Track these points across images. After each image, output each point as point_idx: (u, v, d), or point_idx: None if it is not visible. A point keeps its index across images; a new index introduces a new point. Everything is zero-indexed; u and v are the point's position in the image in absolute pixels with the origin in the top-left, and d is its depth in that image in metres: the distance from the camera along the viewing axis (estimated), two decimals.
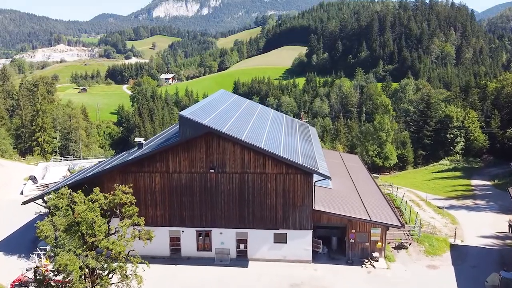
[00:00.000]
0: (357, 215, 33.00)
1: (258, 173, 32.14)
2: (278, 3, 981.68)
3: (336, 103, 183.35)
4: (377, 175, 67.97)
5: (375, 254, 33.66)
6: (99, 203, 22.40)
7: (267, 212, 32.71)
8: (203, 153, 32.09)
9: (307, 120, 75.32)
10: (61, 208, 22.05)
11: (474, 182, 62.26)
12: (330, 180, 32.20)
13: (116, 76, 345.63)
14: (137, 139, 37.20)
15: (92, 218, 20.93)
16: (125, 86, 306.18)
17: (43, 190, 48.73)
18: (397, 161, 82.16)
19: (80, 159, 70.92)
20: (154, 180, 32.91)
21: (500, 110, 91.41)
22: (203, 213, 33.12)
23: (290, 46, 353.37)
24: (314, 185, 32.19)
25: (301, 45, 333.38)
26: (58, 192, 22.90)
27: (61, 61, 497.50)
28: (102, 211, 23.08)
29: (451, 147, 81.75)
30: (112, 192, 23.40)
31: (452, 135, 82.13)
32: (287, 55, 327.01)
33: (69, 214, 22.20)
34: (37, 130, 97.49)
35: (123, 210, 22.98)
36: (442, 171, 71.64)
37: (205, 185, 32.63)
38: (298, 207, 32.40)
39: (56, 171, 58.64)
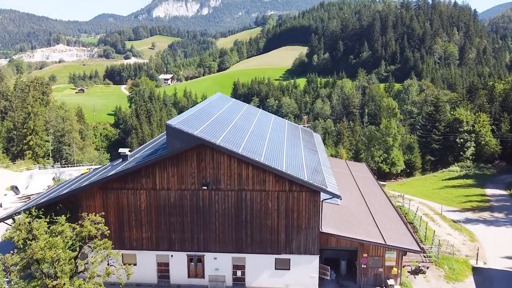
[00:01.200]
0: (370, 238, 29.02)
1: (258, 191, 28.19)
2: (278, 3, 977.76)
3: (337, 104, 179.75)
4: (384, 183, 64.13)
5: (390, 282, 29.69)
6: (63, 237, 18.38)
7: (267, 234, 28.76)
8: (195, 168, 28.14)
9: (309, 125, 71.25)
10: (18, 242, 18.04)
11: (489, 191, 58.22)
12: (340, 199, 28.25)
13: (114, 76, 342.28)
14: (121, 150, 33.15)
15: (52, 257, 16.92)
16: (123, 86, 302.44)
17: (25, 202, 44.85)
18: (404, 167, 78.05)
19: (68, 166, 66.82)
20: (139, 198, 28.95)
21: (509, 113, 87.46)
22: (194, 236, 29.17)
23: (290, 46, 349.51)
24: (321, 204, 28.24)
25: (301, 45, 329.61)
26: (15, 222, 18.90)
27: (59, 61, 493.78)
28: (70, 244, 19.10)
29: (461, 153, 77.66)
30: (79, 222, 19.42)
31: (462, 140, 78.02)
32: (287, 55, 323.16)
33: (27, 249, 18.21)
34: (28, 133, 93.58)
35: (91, 245, 18.97)
36: (452, 179, 67.56)
37: (197, 203, 28.69)
38: (303, 229, 28.45)
39: (41, 180, 54.61)
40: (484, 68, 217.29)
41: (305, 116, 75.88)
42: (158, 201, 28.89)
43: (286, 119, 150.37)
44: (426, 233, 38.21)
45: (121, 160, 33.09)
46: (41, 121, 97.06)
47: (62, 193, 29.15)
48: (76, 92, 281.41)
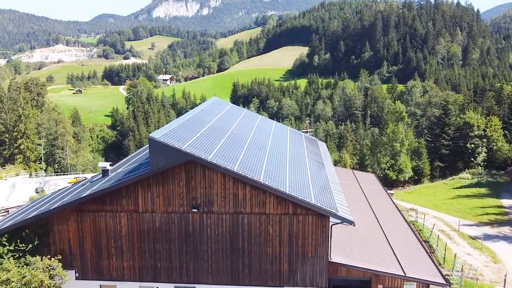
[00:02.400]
0: (387, 268, 25.06)
1: (256, 214, 24.25)
2: (278, 3, 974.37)
3: (339, 106, 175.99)
4: (392, 191, 60.25)
5: None
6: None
7: (268, 264, 24.79)
8: (183, 187, 24.18)
9: (312, 129, 67.27)
10: None
11: (505, 202, 54.20)
12: (353, 225, 24.27)
13: (113, 77, 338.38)
14: (100, 164, 29.07)
15: None
16: (121, 87, 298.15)
17: (4, 216, 40.95)
18: (412, 173, 73.99)
19: (57, 174, 62.71)
20: (120, 221, 24.99)
21: None
22: (183, 265, 25.22)
23: (291, 46, 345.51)
24: (331, 230, 24.28)
25: (302, 45, 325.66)
26: None
27: (58, 62, 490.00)
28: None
29: (472, 159, 73.64)
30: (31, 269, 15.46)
31: (473, 145, 74.00)
32: (287, 56, 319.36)
33: None
34: (19, 137, 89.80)
35: None
36: (464, 187, 63.57)
37: (186, 228, 24.74)
38: (309, 258, 24.48)
39: (24, 190, 50.63)
40: (488, 69, 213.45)
41: (307, 121, 71.66)
42: (141, 225, 24.92)
43: (287, 122, 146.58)
44: (445, 254, 34.26)
45: (101, 175, 29.10)
46: (32, 124, 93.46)
47: (29, 216, 25.16)
48: (74, 93, 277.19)
